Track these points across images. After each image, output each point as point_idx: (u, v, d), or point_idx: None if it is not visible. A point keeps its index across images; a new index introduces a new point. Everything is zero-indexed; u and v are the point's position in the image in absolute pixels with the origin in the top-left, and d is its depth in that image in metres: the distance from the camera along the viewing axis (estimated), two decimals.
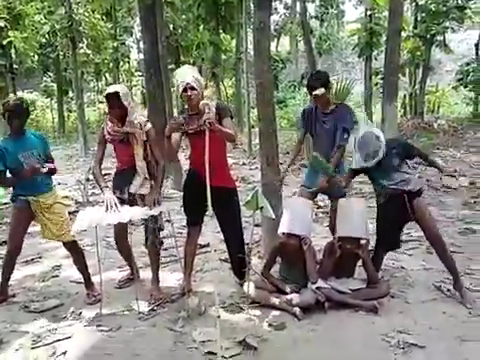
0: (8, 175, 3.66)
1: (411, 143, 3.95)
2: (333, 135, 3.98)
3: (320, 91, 3.87)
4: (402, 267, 4.28)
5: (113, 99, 3.49)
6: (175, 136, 3.58)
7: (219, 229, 3.85)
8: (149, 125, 3.67)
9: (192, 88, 3.41)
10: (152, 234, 3.75)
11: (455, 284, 3.60)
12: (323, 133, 4.01)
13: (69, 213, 6.59)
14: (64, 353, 2.96)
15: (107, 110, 3.63)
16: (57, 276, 4.42)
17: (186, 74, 3.45)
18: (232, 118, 3.63)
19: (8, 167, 3.61)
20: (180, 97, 3.50)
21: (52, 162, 3.79)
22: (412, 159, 3.83)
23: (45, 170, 3.61)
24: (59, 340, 3.11)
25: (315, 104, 4.06)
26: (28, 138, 3.68)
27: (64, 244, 3.82)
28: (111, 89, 3.53)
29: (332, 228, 4.13)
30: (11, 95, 4.06)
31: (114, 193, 3.65)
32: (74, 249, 3.84)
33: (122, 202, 3.60)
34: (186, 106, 3.63)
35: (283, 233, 3.56)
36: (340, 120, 3.95)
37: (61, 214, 3.77)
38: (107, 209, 3.46)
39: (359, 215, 3.60)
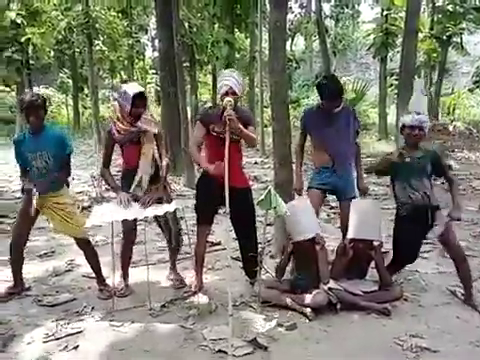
0: None
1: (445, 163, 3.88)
2: (344, 133, 3.95)
3: (340, 99, 3.91)
4: (416, 270, 4.23)
5: (142, 99, 3.53)
6: (200, 131, 3.61)
7: (231, 227, 3.85)
8: (159, 123, 3.76)
9: (233, 93, 3.43)
10: (175, 236, 3.89)
11: (466, 294, 3.57)
12: (333, 132, 3.93)
13: (83, 208, 6.73)
14: (76, 348, 2.97)
15: (132, 110, 3.54)
16: (71, 271, 4.45)
17: (231, 78, 3.47)
18: (255, 127, 3.67)
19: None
20: (220, 98, 3.50)
21: (67, 168, 3.75)
22: (440, 175, 3.74)
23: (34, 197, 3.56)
24: (71, 334, 3.13)
25: (326, 108, 3.96)
26: (44, 137, 3.59)
27: (75, 240, 3.81)
28: (136, 89, 3.54)
29: (343, 229, 4.09)
30: (27, 90, 4.04)
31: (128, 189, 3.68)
32: (84, 244, 3.82)
33: (135, 200, 3.62)
34: (218, 103, 3.63)
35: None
36: (350, 120, 3.99)
37: (70, 210, 3.72)
38: (122, 205, 3.48)
39: (373, 217, 3.57)
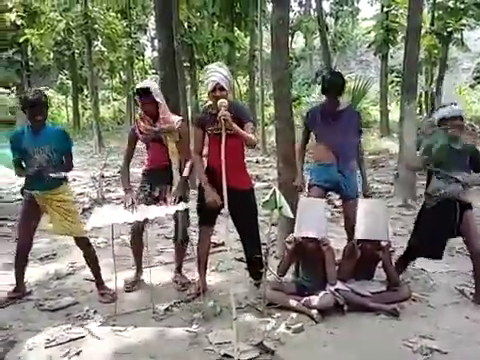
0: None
1: None
2: (348, 132, 3.92)
3: (341, 105, 3.90)
4: (423, 269, 4.18)
5: (145, 94, 3.52)
6: (199, 135, 3.60)
7: (234, 228, 3.78)
8: (180, 122, 3.68)
9: (221, 89, 3.34)
10: (182, 233, 3.82)
11: (477, 292, 3.50)
12: (338, 129, 3.89)
13: (84, 210, 6.67)
14: (78, 353, 2.91)
15: (140, 107, 3.60)
16: (72, 274, 4.39)
17: (217, 73, 3.37)
18: (254, 124, 3.56)
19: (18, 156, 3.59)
20: (208, 95, 3.43)
21: (69, 159, 3.71)
22: (476, 171, 3.65)
23: (53, 175, 3.53)
24: (73, 339, 3.07)
25: (329, 105, 3.94)
26: (45, 133, 3.55)
27: (75, 240, 3.74)
28: (142, 84, 3.57)
29: (347, 229, 4.03)
30: (29, 89, 3.99)
31: (144, 188, 3.73)
32: (84, 246, 3.76)
33: (151, 199, 3.67)
34: (209, 103, 3.56)
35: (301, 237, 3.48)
36: (354, 120, 3.97)
37: (70, 208, 3.66)
38: (125, 207, 3.47)
39: (380, 217, 3.51)
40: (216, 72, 3.37)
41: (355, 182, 4.01)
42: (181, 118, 3.75)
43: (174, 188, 3.65)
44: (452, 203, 3.51)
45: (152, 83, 3.64)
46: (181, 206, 3.53)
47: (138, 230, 3.82)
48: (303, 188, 4.23)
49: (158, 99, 3.54)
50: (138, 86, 3.58)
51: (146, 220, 3.62)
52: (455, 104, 3.52)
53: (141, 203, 3.64)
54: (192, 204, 3.75)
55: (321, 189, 3.99)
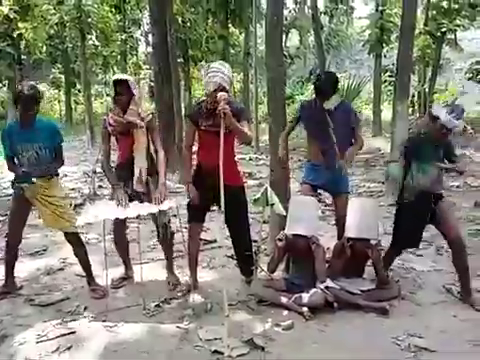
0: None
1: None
2: (340, 131, 3.89)
3: (331, 103, 3.85)
4: (412, 268, 4.22)
5: (121, 85, 3.50)
6: (190, 130, 3.60)
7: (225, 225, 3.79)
8: (150, 116, 3.65)
9: (223, 89, 3.31)
10: (163, 228, 3.76)
11: (463, 288, 3.55)
12: (328, 128, 3.87)
13: (76, 205, 6.65)
14: (69, 348, 2.92)
15: (114, 97, 3.57)
16: (63, 269, 4.38)
17: (219, 73, 3.31)
18: (249, 122, 3.56)
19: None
20: (208, 95, 3.37)
21: (60, 155, 3.69)
22: (449, 160, 3.68)
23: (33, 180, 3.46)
24: (64, 335, 3.07)
25: (321, 104, 3.89)
26: (36, 129, 3.52)
27: (65, 235, 3.72)
28: (120, 76, 3.58)
29: (338, 225, 4.06)
30: (24, 82, 3.91)
31: (122, 185, 3.64)
32: (74, 240, 3.74)
33: (127, 194, 3.60)
34: (205, 99, 3.52)
35: (291, 235, 3.51)
36: (347, 118, 3.93)
37: (60, 203, 3.63)
38: (118, 205, 3.45)
39: (371, 216, 3.54)
40: (219, 72, 3.31)
41: (345, 179, 4.03)
42: (151, 112, 3.71)
43: (135, 184, 3.58)
44: (427, 195, 3.55)
45: (130, 77, 3.65)
46: (166, 205, 3.50)
47: (119, 227, 3.76)
48: (285, 160, 4.26)
49: (134, 91, 3.52)
50: (115, 77, 3.56)
51: (126, 217, 3.58)
52: (457, 118, 3.43)
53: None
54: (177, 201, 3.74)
55: (311, 187, 4.02)
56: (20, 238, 3.74)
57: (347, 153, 3.84)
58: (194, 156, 3.73)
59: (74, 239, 3.74)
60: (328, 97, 3.84)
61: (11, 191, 3.84)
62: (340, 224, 3.95)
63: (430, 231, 3.97)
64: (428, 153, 3.56)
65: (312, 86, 4.02)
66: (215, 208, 3.70)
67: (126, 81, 3.50)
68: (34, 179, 3.46)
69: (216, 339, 2.96)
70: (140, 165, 3.58)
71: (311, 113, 3.98)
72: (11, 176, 3.68)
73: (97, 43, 25.10)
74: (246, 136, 3.44)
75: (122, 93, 3.51)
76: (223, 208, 3.05)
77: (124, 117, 3.54)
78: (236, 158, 3.78)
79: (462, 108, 3.48)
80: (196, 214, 3.69)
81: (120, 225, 3.74)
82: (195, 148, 3.71)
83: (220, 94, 3.20)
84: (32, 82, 3.71)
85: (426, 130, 3.66)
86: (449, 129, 3.48)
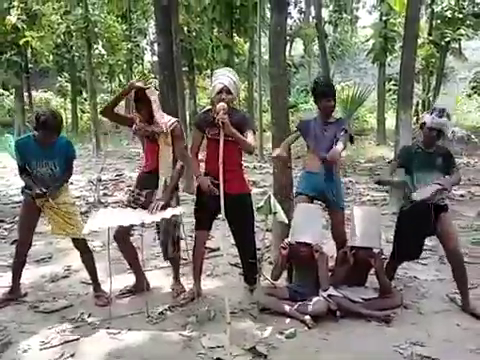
0: None
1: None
2: (333, 140, 3.87)
3: (334, 101, 3.87)
4: (415, 277, 4.22)
5: (142, 93, 3.45)
6: (197, 136, 3.62)
7: (230, 233, 3.81)
8: (175, 123, 3.59)
9: (228, 92, 3.35)
10: (171, 242, 3.75)
11: (463, 298, 3.55)
12: (325, 141, 3.87)
13: (81, 213, 6.68)
14: (72, 355, 2.94)
15: (134, 105, 3.56)
16: (68, 276, 4.41)
17: (225, 76, 3.39)
18: (254, 133, 3.56)
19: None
20: (213, 98, 3.41)
21: (69, 170, 3.75)
22: (449, 173, 3.66)
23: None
24: (67, 342, 3.09)
25: (324, 112, 3.92)
26: (52, 148, 3.54)
27: (73, 241, 3.77)
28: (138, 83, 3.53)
29: (334, 238, 4.07)
30: (44, 109, 3.92)
31: (132, 191, 3.69)
32: (82, 247, 3.78)
33: (135, 203, 3.63)
34: (209, 107, 3.56)
35: (295, 242, 3.52)
36: (339, 130, 3.88)
37: (69, 210, 3.69)
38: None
39: (374, 225, 3.55)
40: (225, 76, 3.39)
41: (341, 192, 4.02)
42: (176, 119, 3.64)
43: (158, 194, 3.54)
44: (426, 205, 3.52)
45: (149, 85, 3.61)
46: (168, 214, 3.42)
47: (120, 235, 3.69)
48: (283, 157, 4.16)
49: (152, 98, 3.45)
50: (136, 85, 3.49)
51: (132, 225, 3.56)
52: (440, 116, 3.48)
53: (128, 207, 3.65)
54: (181, 210, 3.66)
55: (307, 197, 3.97)
56: (30, 244, 3.78)
57: (331, 151, 3.75)
58: (202, 164, 3.74)
59: (82, 245, 3.78)
60: (328, 98, 3.85)
61: (18, 199, 3.88)
62: (336, 235, 4.02)
63: (434, 240, 3.98)
64: (423, 161, 3.58)
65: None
66: (221, 216, 3.71)
67: (143, 90, 3.43)
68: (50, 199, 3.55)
69: (219, 347, 2.97)
70: (165, 175, 3.56)
71: (313, 125, 3.97)
72: (18, 184, 3.72)
73: (103, 52, 25.32)
74: (248, 146, 3.45)
75: (141, 100, 3.47)
76: (224, 215, 3.06)
77: (149, 126, 3.52)
78: (243, 166, 3.80)
79: (443, 108, 3.50)
80: (203, 221, 3.70)
81: (121, 233, 3.67)
82: (201, 156, 3.73)
83: (219, 105, 3.25)
84: (51, 108, 3.75)
85: (420, 139, 3.72)
86: (437, 130, 3.51)
